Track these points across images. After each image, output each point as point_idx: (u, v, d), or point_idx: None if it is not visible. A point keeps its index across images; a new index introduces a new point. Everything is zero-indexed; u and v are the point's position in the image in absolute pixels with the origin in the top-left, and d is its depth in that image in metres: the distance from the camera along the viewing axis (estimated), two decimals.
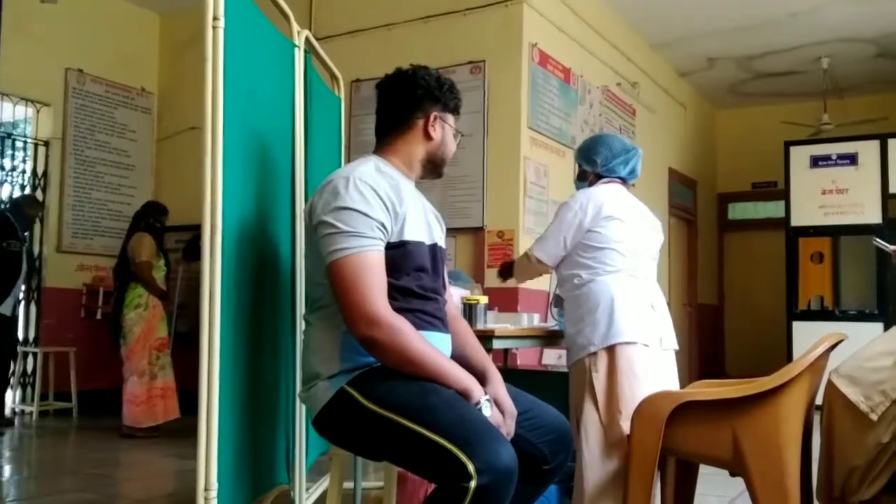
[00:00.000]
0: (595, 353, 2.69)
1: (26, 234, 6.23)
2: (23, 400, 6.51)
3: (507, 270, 3.23)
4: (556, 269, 2.93)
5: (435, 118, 2.06)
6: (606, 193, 2.85)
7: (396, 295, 1.89)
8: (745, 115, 9.92)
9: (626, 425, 2.57)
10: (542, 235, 2.89)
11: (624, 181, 2.96)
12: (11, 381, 5.91)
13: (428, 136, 2.06)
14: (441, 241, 2.10)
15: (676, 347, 2.88)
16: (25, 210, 5.97)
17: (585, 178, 2.98)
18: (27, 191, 6.72)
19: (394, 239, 1.91)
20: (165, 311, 5.67)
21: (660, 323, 2.81)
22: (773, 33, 7.52)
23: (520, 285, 5.53)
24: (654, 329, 2.77)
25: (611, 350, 2.67)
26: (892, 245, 3.34)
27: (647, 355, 2.71)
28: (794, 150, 7.85)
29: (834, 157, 7.64)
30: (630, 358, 2.67)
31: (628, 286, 2.76)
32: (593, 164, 2.94)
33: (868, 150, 7.51)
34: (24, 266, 5.90)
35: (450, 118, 2.11)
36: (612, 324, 2.68)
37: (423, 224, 2.02)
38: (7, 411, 5.87)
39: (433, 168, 2.11)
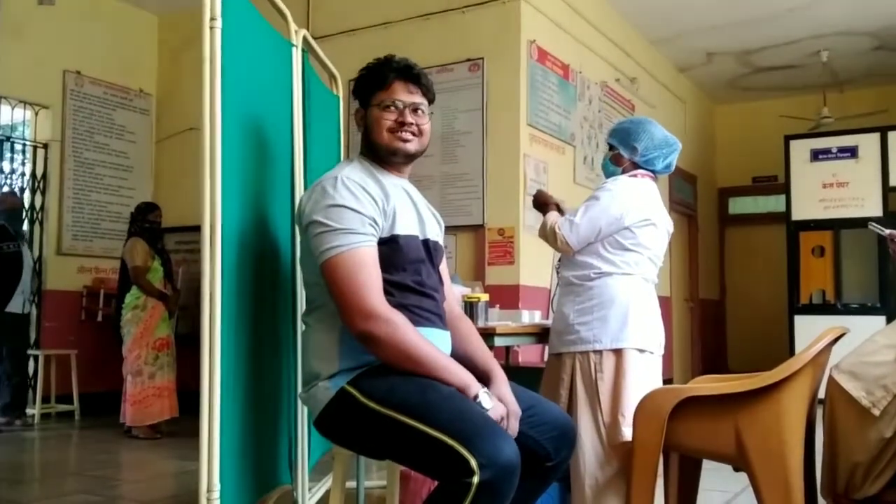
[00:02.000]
0: (600, 353, 2.65)
1: (24, 230, 6.28)
2: (25, 403, 6.51)
3: (539, 207, 3.03)
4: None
5: (360, 117, 2.06)
6: (648, 192, 2.77)
7: (392, 290, 1.89)
8: (745, 109, 9.91)
9: (627, 431, 2.56)
10: (576, 217, 2.71)
11: (655, 174, 2.86)
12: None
13: (362, 131, 2.07)
14: (436, 236, 2.10)
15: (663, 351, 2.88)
16: (6, 206, 5.98)
17: (620, 163, 2.84)
18: (27, 193, 6.73)
19: (384, 234, 1.91)
20: (168, 310, 5.64)
21: (660, 329, 2.80)
22: (771, 27, 7.51)
23: (520, 282, 5.56)
24: (657, 335, 2.76)
25: (619, 353, 2.65)
26: (887, 229, 3.32)
27: (650, 362, 2.71)
28: (794, 143, 7.84)
29: (834, 150, 7.63)
30: (638, 364, 2.65)
31: (642, 291, 2.74)
32: (632, 151, 2.80)
33: (868, 143, 7.50)
34: (28, 263, 5.95)
35: (382, 96, 2.00)
36: (625, 326, 2.65)
37: (414, 219, 2.02)
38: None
39: (385, 155, 2.03)
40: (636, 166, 2.82)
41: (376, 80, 2.02)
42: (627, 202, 2.69)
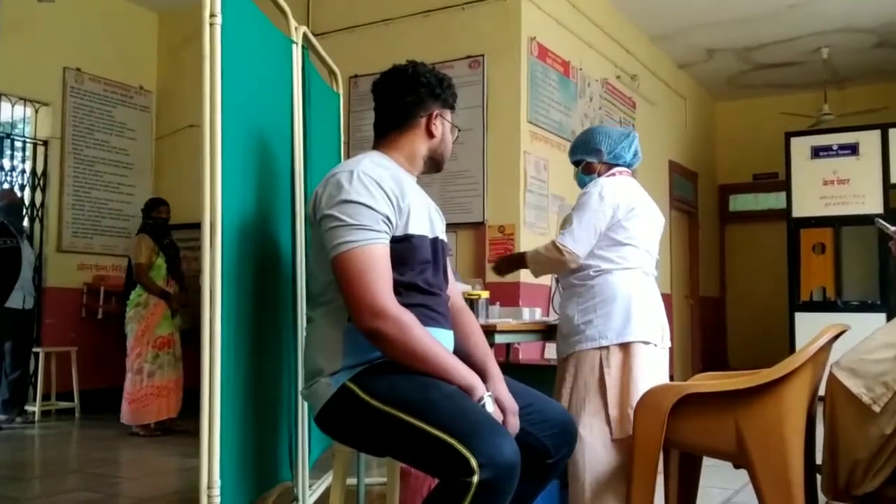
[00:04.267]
0: (607, 348, 2.67)
1: (24, 226, 6.27)
2: (26, 399, 6.52)
3: (505, 265, 3.14)
4: None
5: (436, 116, 2.07)
6: (630, 186, 2.82)
7: (401, 290, 1.88)
8: (746, 106, 9.91)
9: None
10: (573, 226, 2.74)
11: (629, 167, 2.91)
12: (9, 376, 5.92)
13: (430, 134, 2.08)
14: (442, 234, 2.10)
15: (670, 345, 2.88)
16: (4, 202, 5.97)
17: (593, 170, 2.89)
18: (27, 190, 6.73)
19: (398, 233, 1.91)
20: (171, 309, 5.56)
21: (664, 321, 2.81)
22: (772, 24, 7.50)
23: (521, 279, 5.55)
24: (661, 328, 2.77)
25: (625, 347, 2.66)
26: (894, 226, 3.31)
27: (655, 354, 2.72)
28: (794, 140, 7.83)
29: (835, 147, 7.62)
30: (644, 357, 2.67)
31: (643, 284, 2.76)
32: (598, 154, 2.87)
33: (869, 140, 7.49)
34: (28, 259, 5.94)
35: (448, 114, 2.13)
36: (630, 320, 2.66)
37: (426, 218, 2.02)
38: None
39: (434, 164, 2.13)
40: (608, 166, 2.87)
41: (454, 100, 2.14)
42: (614, 196, 2.73)
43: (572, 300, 2.79)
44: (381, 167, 1.96)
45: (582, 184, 2.94)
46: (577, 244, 2.72)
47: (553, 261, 2.80)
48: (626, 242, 2.73)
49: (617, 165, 2.88)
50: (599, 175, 2.87)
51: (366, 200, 1.85)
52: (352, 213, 1.84)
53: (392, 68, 2.10)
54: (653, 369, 2.68)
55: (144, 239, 5.53)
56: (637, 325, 2.67)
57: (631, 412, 2.58)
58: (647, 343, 2.68)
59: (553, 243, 2.77)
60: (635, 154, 2.91)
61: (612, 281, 2.71)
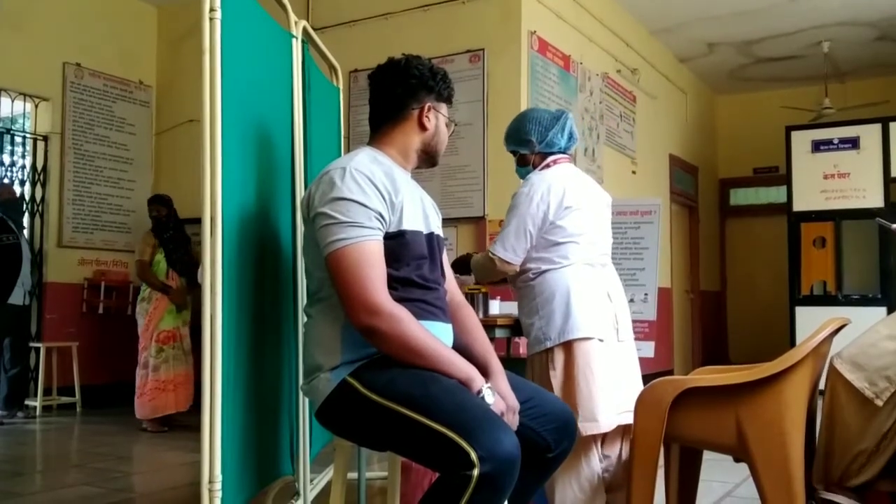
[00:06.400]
0: (552, 349, 2.62)
1: (23, 222, 6.27)
2: (26, 395, 6.53)
3: (458, 266, 3.00)
4: None
5: (429, 108, 2.05)
6: (563, 178, 2.71)
7: (396, 285, 1.89)
8: (746, 100, 9.89)
9: (584, 427, 2.54)
10: (504, 232, 2.70)
11: (566, 152, 2.81)
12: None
13: (422, 127, 2.06)
14: (438, 229, 2.10)
15: (633, 338, 2.81)
16: (2, 198, 5.96)
17: (527, 162, 2.81)
18: (27, 186, 6.72)
19: (392, 229, 1.91)
20: (174, 303, 5.52)
21: (616, 314, 2.73)
22: (772, 18, 7.49)
23: None
24: (610, 321, 2.70)
25: (567, 346, 2.60)
26: (894, 224, 3.30)
27: (603, 350, 2.64)
28: (795, 134, 7.82)
29: (835, 141, 7.61)
30: (587, 354, 2.60)
31: (584, 277, 2.67)
32: (529, 145, 2.77)
33: (869, 134, 7.49)
34: (27, 255, 5.94)
35: (443, 108, 2.11)
36: (569, 318, 2.59)
37: (420, 213, 2.02)
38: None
39: (428, 158, 2.11)
40: (543, 156, 2.78)
41: (449, 94, 2.11)
42: (544, 197, 2.65)
43: (521, 304, 2.76)
44: (375, 163, 1.96)
45: (521, 176, 2.86)
46: (507, 252, 2.68)
47: (489, 269, 2.77)
48: (565, 241, 2.66)
49: (552, 153, 2.78)
50: (535, 166, 2.79)
51: (358, 197, 1.85)
52: (344, 211, 1.84)
53: (387, 61, 2.09)
54: (604, 366, 2.61)
55: (146, 235, 5.61)
56: (578, 321, 2.59)
57: (576, 415, 2.53)
58: (589, 339, 2.60)
59: (486, 254, 2.75)
60: (570, 137, 2.79)
61: (550, 279, 2.64)
